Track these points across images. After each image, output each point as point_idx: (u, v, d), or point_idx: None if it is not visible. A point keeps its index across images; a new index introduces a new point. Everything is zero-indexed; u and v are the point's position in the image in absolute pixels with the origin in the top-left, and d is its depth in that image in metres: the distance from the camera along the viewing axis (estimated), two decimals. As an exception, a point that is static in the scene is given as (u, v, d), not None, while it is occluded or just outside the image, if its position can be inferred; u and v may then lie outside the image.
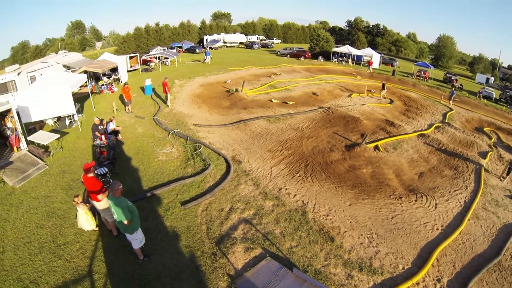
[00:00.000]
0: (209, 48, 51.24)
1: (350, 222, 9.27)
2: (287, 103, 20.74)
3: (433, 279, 7.60)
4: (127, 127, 14.91)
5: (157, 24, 63.28)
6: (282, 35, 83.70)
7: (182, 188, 9.91)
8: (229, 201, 9.43)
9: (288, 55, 46.61)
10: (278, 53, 49.22)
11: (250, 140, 14.24)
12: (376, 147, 14.92)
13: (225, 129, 15.29)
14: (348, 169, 12.62)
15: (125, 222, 6.13)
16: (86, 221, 7.53)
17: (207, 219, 8.59)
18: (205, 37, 61.48)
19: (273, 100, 20.71)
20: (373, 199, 10.65)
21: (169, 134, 14.07)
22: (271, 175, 11.40)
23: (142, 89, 21.75)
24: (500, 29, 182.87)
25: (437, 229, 9.64)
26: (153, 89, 21.25)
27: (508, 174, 14.28)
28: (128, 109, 17.09)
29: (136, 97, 20.01)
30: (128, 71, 28.30)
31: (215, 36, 62.26)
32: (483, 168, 14.66)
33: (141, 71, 30.57)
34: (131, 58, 30.92)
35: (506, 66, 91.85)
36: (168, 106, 17.91)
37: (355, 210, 9.88)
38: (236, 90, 21.70)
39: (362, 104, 22.24)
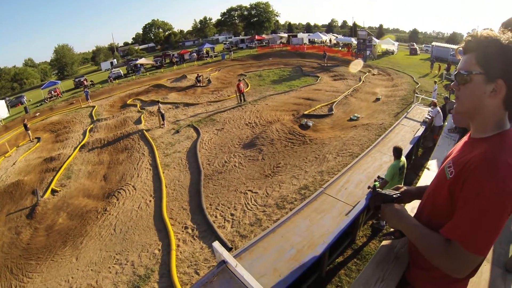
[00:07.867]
0: None
1: (92, 270, 8.86)
2: None
3: (183, 230, 9.27)
4: None
5: None
6: None
7: None
8: None
9: None
10: None
11: None
12: (53, 191, 14.11)
13: None
14: (46, 234, 11.30)
15: None
16: None
17: None
18: None
19: None
20: (85, 236, 10.50)
21: None
22: None
23: None
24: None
25: (150, 201, 11.53)
26: None
27: (163, 119, 18.60)
28: None
29: None
30: None
31: None
32: (144, 131, 17.98)
33: None
34: None
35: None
36: None
37: (87, 252, 9.58)
38: None
39: (13, 164, 19.90)
